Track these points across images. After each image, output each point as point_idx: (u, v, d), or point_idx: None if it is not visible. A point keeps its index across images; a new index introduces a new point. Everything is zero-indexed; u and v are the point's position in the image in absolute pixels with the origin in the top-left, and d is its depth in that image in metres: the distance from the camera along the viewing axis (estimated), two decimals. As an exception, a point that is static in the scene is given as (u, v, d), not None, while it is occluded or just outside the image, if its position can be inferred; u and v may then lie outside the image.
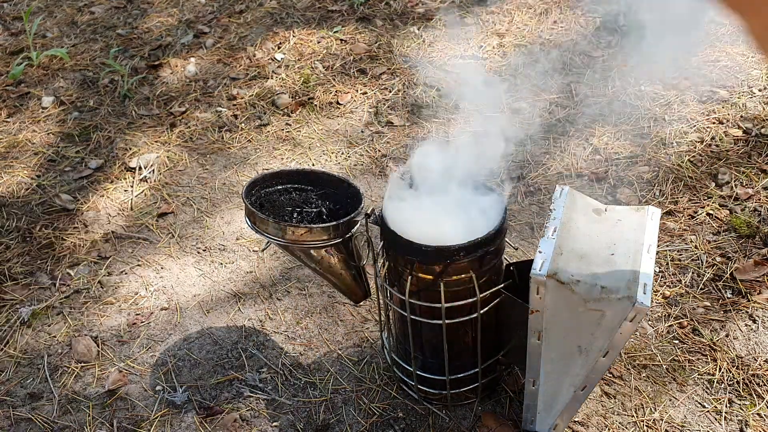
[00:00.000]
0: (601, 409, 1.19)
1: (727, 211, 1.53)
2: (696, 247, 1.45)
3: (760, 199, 1.55)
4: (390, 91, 1.96)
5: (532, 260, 1.01)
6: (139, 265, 1.52)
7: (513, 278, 1.13)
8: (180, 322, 1.40)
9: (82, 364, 1.33)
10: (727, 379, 1.23)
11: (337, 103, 1.94)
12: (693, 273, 1.41)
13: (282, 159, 1.77)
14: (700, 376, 1.23)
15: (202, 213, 1.64)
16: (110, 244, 1.58)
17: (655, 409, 1.19)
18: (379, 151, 1.77)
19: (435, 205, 1.13)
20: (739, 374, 1.23)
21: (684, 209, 1.54)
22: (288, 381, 1.27)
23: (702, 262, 1.43)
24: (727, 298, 1.36)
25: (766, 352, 1.26)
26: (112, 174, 1.77)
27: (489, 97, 1.39)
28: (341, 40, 2.19)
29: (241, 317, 1.40)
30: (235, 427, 1.20)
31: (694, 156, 1.68)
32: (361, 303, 1.33)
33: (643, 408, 1.19)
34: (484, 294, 1.08)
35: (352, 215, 1.15)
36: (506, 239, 1.12)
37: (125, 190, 1.72)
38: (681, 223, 1.51)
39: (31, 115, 1.99)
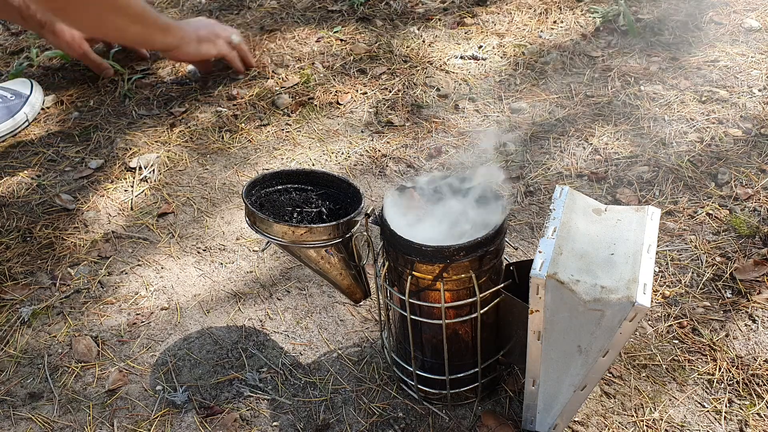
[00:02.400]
0: (600, 409, 1.19)
1: (727, 211, 1.53)
2: (696, 247, 1.46)
3: (760, 199, 1.55)
4: (390, 91, 1.97)
5: (532, 260, 1.01)
6: (139, 265, 1.53)
7: (513, 278, 1.14)
8: (180, 322, 1.40)
9: (82, 364, 1.33)
10: (726, 379, 1.23)
11: (337, 103, 1.94)
12: (693, 273, 1.41)
13: (282, 159, 1.77)
14: (699, 376, 1.23)
15: (202, 213, 1.64)
16: (110, 244, 1.58)
17: (655, 409, 1.19)
18: (379, 151, 1.77)
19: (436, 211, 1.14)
20: (738, 374, 1.23)
21: (684, 209, 1.54)
22: (288, 381, 1.27)
23: (702, 262, 1.43)
24: (727, 298, 1.36)
25: (766, 352, 1.26)
26: (112, 174, 1.77)
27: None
28: (341, 40, 2.19)
29: (241, 317, 1.40)
30: (235, 426, 1.21)
31: (693, 156, 1.68)
32: (361, 303, 1.33)
33: (642, 408, 1.20)
34: (484, 294, 1.08)
35: (352, 215, 1.15)
36: (506, 239, 1.12)
37: (125, 190, 1.72)
38: (681, 223, 1.51)
39: (31, 115, 1.98)
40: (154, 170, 1.76)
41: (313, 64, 2.09)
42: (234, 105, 1.97)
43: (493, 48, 2.10)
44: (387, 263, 1.12)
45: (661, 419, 1.18)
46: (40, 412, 1.26)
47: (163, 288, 1.47)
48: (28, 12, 1.88)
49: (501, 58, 2.06)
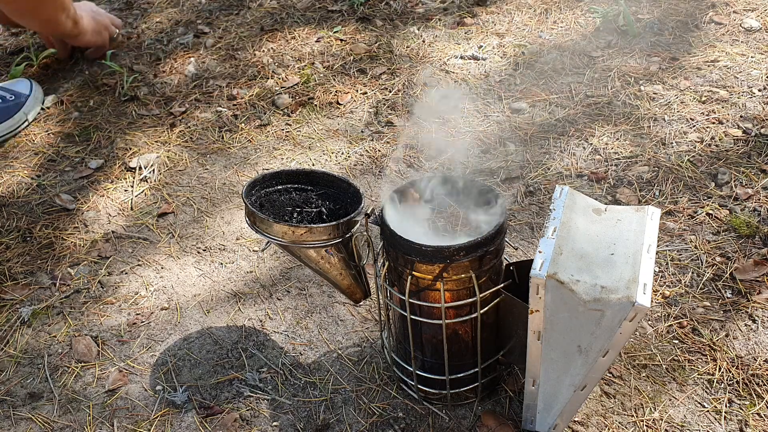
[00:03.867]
0: (600, 409, 1.19)
1: (727, 211, 1.53)
2: (696, 247, 1.46)
3: (759, 199, 1.55)
4: (390, 91, 1.97)
5: (531, 260, 1.01)
6: (139, 264, 1.53)
7: (513, 278, 1.14)
8: (180, 321, 1.40)
9: (82, 364, 1.33)
10: (726, 379, 1.23)
11: (337, 103, 1.94)
12: (693, 273, 1.41)
13: (282, 159, 1.77)
14: (699, 376, 1.23)
15: (202, 213, 1.64)
16: (110, 243, 1.58)
17: (655, 409, 1.19)
18: (379, 151, 1.77)
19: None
20: (738, 374, 1.23)
21: (684, 209, 1.54)
22: (288, 381, 1.27)
23: (702, 262, 1.43)
24: (727, 298, 1.36)
25: (766, 352, 1.26)
26: (112, 174, 1.77)
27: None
28: (341, 40, 2.19)
29: (241, 317, 1.40)
30: (235, 426, 1.21)
31: (693, 156, 1.68)
32: (361, 303, 1.33)
33: (642, 408, 1.20)
34: (484, 294, 1.08)
35: (352, 215, 1.15)
36: (506, 239, 1.12)
37: (125, 190, 1.72)
38: (681, 223, 1.51)
39: (31, 115, 1.98)
40: (154, 170, 1.76)
41: (313, 64, 2.09)
42: (234, 105, 1.97)
43: (493, 48, 2.10)
44: (387, 263, 1.12)
45: (661, 419, 1.18)
46: (40, 412, 1.26)
47: (163, 288, 1.47)
48: None
49: (501, 58, 2.06)
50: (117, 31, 2.20)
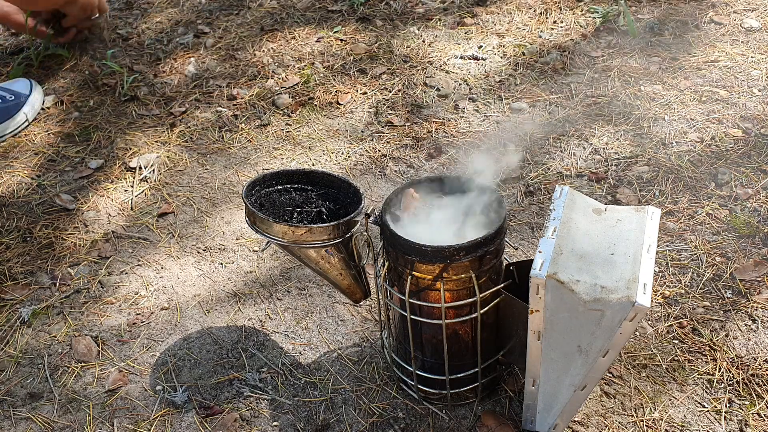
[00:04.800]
0: (600, 409, 1.19)
1: (727, 211, 1.53)
2: (696, 247, 1.46)
3: (760, 199, 1.55)
4: (390, 91, 1.97)
5: (531, 260, 1.01)
6: (139, 264, 1.53)
7: (513, 278, 1.14)
8: (180, 321, 1.40)
9: (82, 364, 1.33)
10: (726, 379, 1.23)
11: (337, 103, 1.94)
12: (693, 273, 1.41)
13: (282, 159, 1.77)
14: (699, 376, 1.23)
15: (202, 213, 1.64)
16: (110, 243, 1.58)
17: (655, 409, 1.19)
18: (379, 151, 1.77)
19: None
20: (738, 374, 1.23)
21: (684, 209, 1.54)
22: (288, 381, 1.28)
23: (702, 262, 1.43)
24: (727, 298, 1.36)
25: (766, 352, 1.26)
26: (112, 174, 1.77)
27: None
28: (341, 40, 2.19)
29: (241, 317, 1.40)
30: (235, 426, 1.21)
31: (693, 156, 1.68)
32: (361, 303, 1.33)
33: (642, 408, 1.20)
34: (484, 294, 1.08)
35: (352, 215, 1.15)
36: (506, 239, 1.12)
37: (125, 190, 1.72)
38: (681, 223, 1.51)
39: (31, 115, 1.98)
40: (154, 170, 1.77)
41: (313, 64, 2.09)
42: (234, 105, 1.97)
43: (493, 48, 2.10)
44: (387, 263, 1.12)
45: (661, 419, 1.18)
46: (40, 412, 1.26)
47: (163, 288, 1.47)
48: None
49: (501, 58, 2.06)
50: (98, 14, 2.23)
